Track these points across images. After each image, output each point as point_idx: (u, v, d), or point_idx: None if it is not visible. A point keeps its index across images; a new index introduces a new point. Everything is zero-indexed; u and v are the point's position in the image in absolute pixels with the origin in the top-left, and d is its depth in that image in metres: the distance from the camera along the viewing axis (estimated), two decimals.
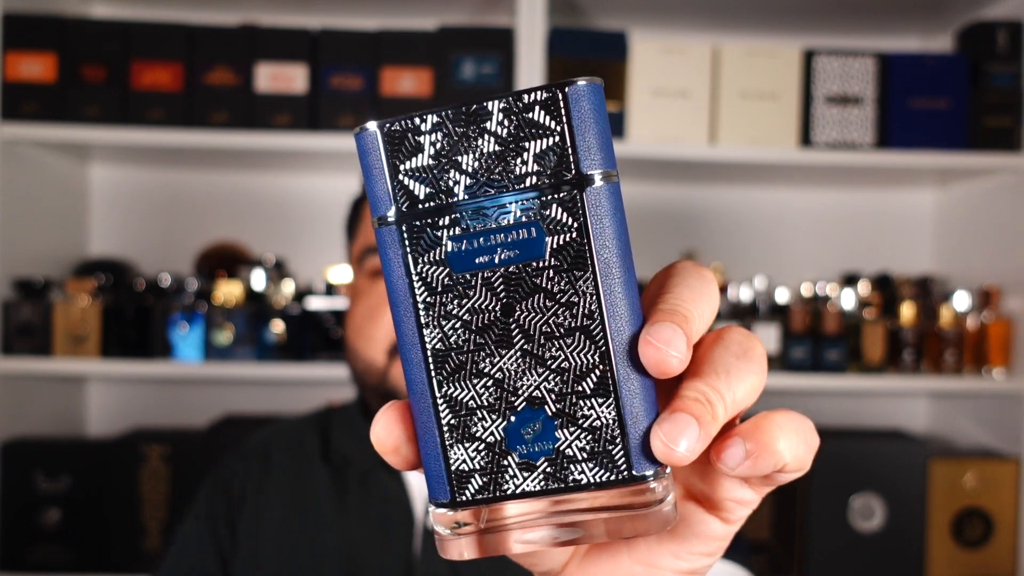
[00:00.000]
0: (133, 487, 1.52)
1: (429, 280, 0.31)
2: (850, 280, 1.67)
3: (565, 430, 0.31)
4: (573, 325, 0.30)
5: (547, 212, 0.30)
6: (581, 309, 0.30)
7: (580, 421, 0.31)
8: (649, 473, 0.30)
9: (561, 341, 0.30)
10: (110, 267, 1.65)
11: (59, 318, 1.48)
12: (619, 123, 1.50)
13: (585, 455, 0.31)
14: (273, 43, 1.49)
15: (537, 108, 0.29)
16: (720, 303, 1.64)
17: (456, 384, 0.31)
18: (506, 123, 0.30)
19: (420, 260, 0.31)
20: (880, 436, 1.63)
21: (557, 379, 0.31)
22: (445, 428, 0.31)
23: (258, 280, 1.55)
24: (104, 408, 1.78)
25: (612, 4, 1.66)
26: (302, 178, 1.79)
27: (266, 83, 1.48)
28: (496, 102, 0.30)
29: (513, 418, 0.31)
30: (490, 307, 0.31)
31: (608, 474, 0.31)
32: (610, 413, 0.30)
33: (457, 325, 0.31)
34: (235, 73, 1.49)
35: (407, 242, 0.31)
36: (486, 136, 0.30)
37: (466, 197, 0.30)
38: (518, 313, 0.30)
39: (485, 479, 0.31)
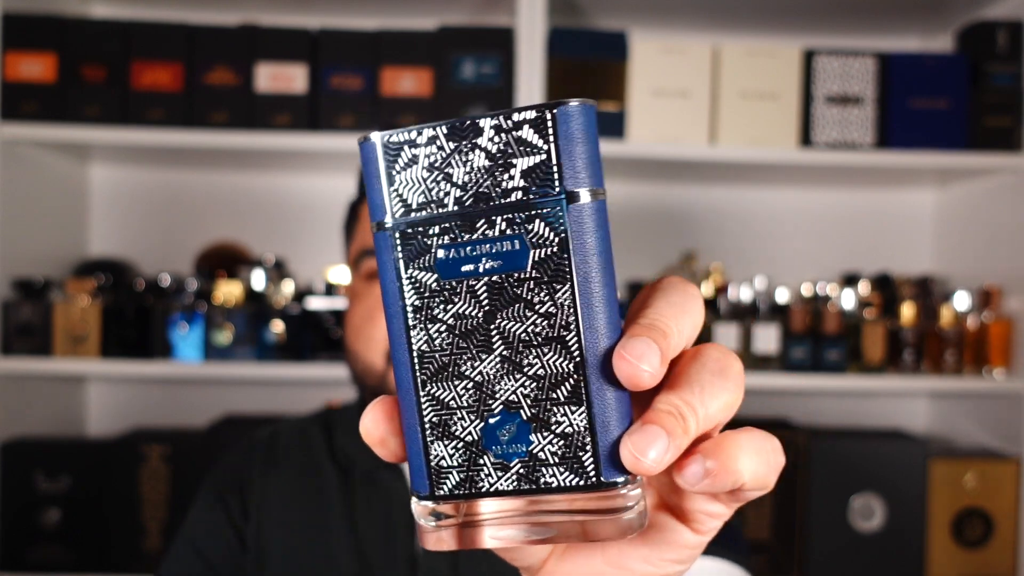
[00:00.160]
0: (133, 487, 1.52)
1: (418, 285, 0.33)
2: (850, 280, 1.66)
3: (539, 434, 0.32)
4: (550, 335, 0.32)
5: (531, 226, 0.31)
6: (559, 320, 0.31)
7: (553, 427, 0.32)
8: (618, 480, 0.32)
9: (538, 350, 0.32)
10: (110, 267, 1.65)
11: (59, 318, 1.48)
12: (619, 123, 1.50)
13: (557, 459, 0.32)
14: (273, 43, 1.49)
15: (526, 127, 0.31)
16: (720, 304, 1.63)
17: (439, 384, 0.33)
18: (496, 140, 0.31)
19: (410, 265, 0.33)
20: (880, 436, 1.63)
21: (533, 385, 0.32)
22: (427, 425, 0.33)
23: (258, 280, 1.55)
24: (104, 408, 1.78)
25: (612, 4, 1.66)
26: (302, 178, 1.79)
27: (266, 83, 1.48)
28: (488, 119, 0.31)
29: (490, 420, 0.32)
30: (473, 313, 0.32)
31: (578, 479, 0.32)
32: (582, 421, 0.32)
33: (442, 329, 0.32)
34: (235, 73, 1.49)
35: (399, 248, 0.33)
36: (477, 151, 0.32)
37: (456, 208, 0.32)
38: (499, 321, 0.32)
39: (462, 476, 0.33)
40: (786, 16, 1.72)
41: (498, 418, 0.33)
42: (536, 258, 0.31)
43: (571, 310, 0.31)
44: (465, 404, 0.33)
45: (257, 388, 1.79)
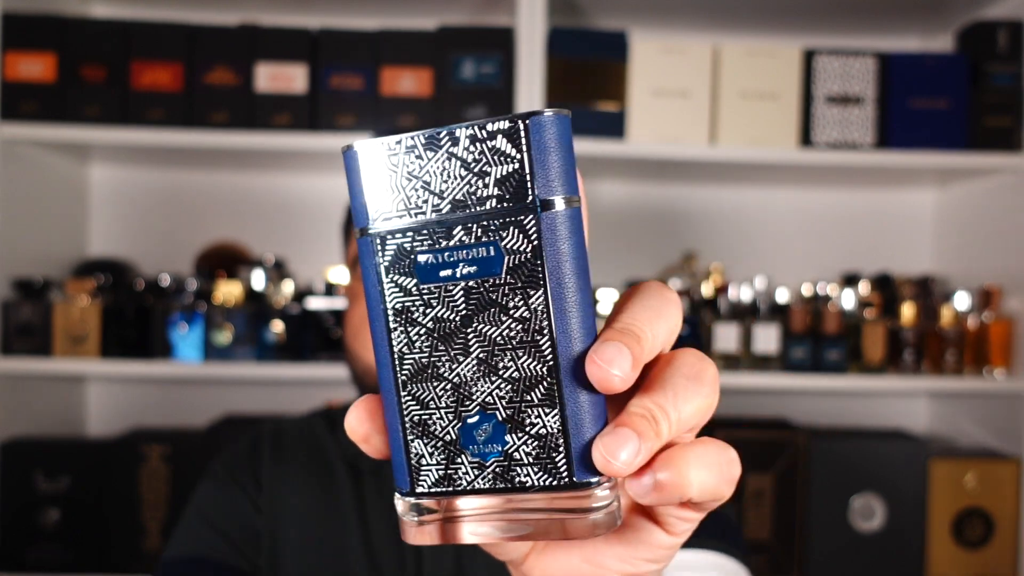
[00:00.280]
0: (133, 487, 1.52)
1: (398, 289, 0.34)
2: (850, 280, 1.66)
3: (514, 435, 0.33)
4: (525, 339, 0.33)
5: (504, 233, 0.32)
6: (532, 325, 0.32)
7: (528, 428, 0.33)
8: (590, 481, 0.33)
9: (513, 353, 0.33)
10: (110, 267, 1.65)
11: (59, 318, 1.48)
12: (619, 123, 1.50)
13: (531, 459, 0.33)
14: (273, 43, 1.49)
15: (500, 136, 0.32)
16: (720, 303, 1.63)
17: (419, 385, 0.34)
18: (472, 149, 0.32)
19: (391, 270, 0.34)
20: (880, 436, 1.63)
21: (508, 388, 0.33)
22: (408, 424, 0.34)
23: (258, 280, 1.55)
24: (104, 408, 1.78)
25: (612, 4, 1.66)
26: (302, 178, 1.79)
27: (266, 83, 1.48)
28: (464, 129, 0.32)
29: (468, 420, 0.34)
30: (451, 317, 0.33)
31: (551, 479, 0.33)
32: (555, 423, 0.33)
33: (421, 332, 0.34)
34: (235, 73, 1.48)
35: (380, 253, 0.34)
36: (454, 160, 0.33)
37: (434, 215, 0.33)
38: (476, 324, 0.33)
39: (440, 473, 0.34)
40: (786, 16, 1.72)
41: (475, 419, 0.34)
42: (510, 264, 0.32)
43: (544, 315, 0.32)
44: (444, 404, 0.34)
45: (257, 388, 1.79)
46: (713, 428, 1.55)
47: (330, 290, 1.57)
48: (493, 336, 0.33)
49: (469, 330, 0.33)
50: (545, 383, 0.32)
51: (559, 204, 0.32)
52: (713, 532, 0.79)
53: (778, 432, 1.56)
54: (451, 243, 0.33)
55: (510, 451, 0.33)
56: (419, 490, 0.35)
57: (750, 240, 1.84)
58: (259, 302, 1.53)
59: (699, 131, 1.51)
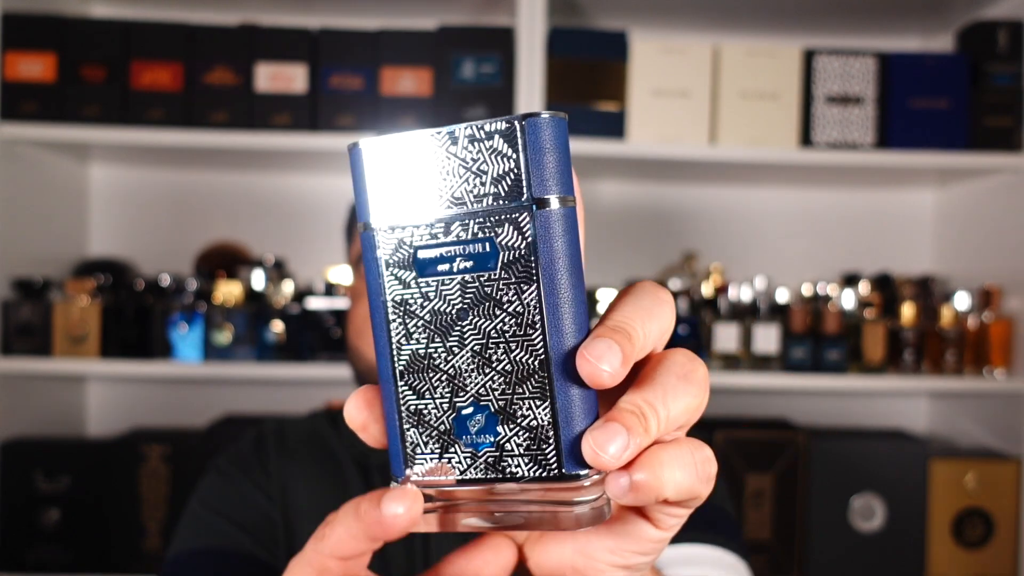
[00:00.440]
0: (133, 487, 1.52)
1: (397, 282, 0.35)
2: (850, 280, 1.66)
3: (506, 426, 0.34)
4: (518, 333, 0.34)
5: (500, 230, 0.33)
6: (525, 319, 0.33)
7: (519, 420, 0.34)
8: (579, 473, 0.33)
9: (506, 346, 0.34)
10: (110, 267, 1.65)
11: (59, 318, 1.48)
12: (619, 123, 1.50)
13: (522, 450, 0.34)
14: (273, 43, 1.49)
15: (497, 137, 0.33)
16: (720, 303, 1.62)
17: (415, 376, 0.35)
18: (471, 148, 0.34)
19: (392, 264, 0.35)
20: (880, 436, 1.63)
21: (501, 380, 0.34)
22: (404, 413, 0.36)
23: (258, 280, 1.55)
24: (104, 408, 1.78)
25: (612, 4, 1.66)
26: (302, 178, 1.79)
27: (266, 83, 1.48)
28: (464, 129, 0.34)
29: (462, 411, 0.35)
30: (448, 310, 0.34)
31: (540, 470, 0.34)
32: (546, 415, 0.33)
33: (419, 324, 0.35)
34: (235, 73, 1.48)
35: (382, 247, 0.35)
36: (454, 159, 0.34)
37: (433, 212, 0.34)
38: (471, 318, 0.34)
39: (435, 463, 0.35)
40: (786, 16, 1.72)
41: (469, 410, 0.35)
42: (505, 260, 0.33)
43: (537, 310, 0.33)
44: (439, 395, 0.35)
45: (257, 388, 1.79)
46: (713, 429, 1.55)
47: (330, 290, 1.57)
48: (487, 329, 0.34)
49: (465, 323, 0.34)
50: (537, 376, 0.33)
51: (554, 203, 0.33)
52: (712, 527, 0.80)
53: (778, 432, 1.56)
54: (449, 238, 0.34)
55: (502, 442, 0.34)
56: (413, 478, 0.36)
57: (750, 240, 1.84)
58: (259, 302, 1.53)
59: (699, 131, 1.51)
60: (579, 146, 1.47)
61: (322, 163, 1.66)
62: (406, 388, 0.35)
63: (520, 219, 0.33)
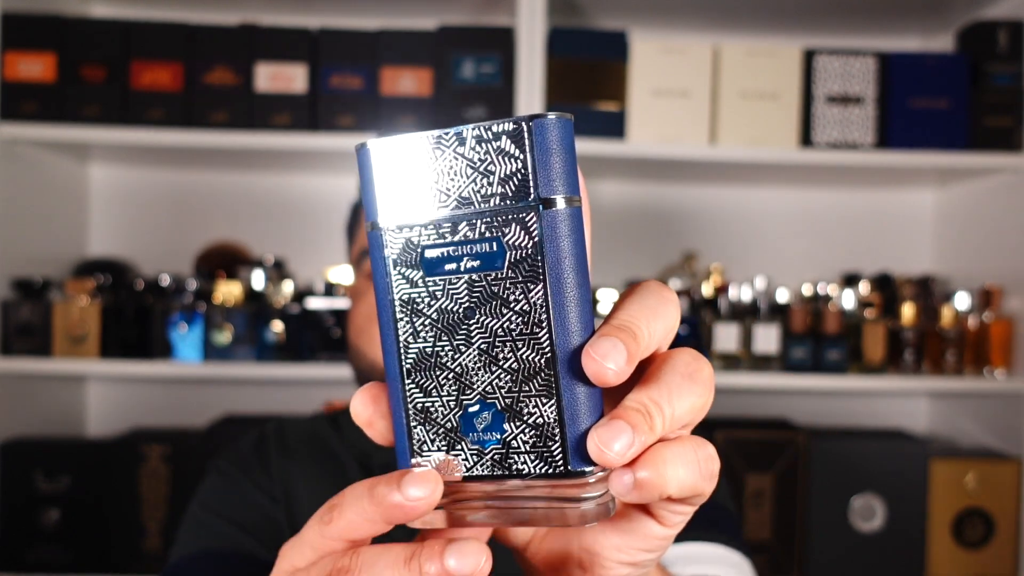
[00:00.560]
0: (133, 487, 1.52)
1: (405, 281, 0.35)
2: (850, 280, 1.66)
3: (512, 424, 0.35)
4: (524, 331, 0.34)
5: (507, 230, 0.34)
6: (532, 318, 0.34)
7: (525, 417, 0.34)
8: (585, 470, 0.34)
9: (513, 344, 0.34)
10: (110, 267, 1.65)
11: (58, 318, 1.48)
12: (619, 123, 1.50)
13: (528, 447, 0.34)
14: (273, 43, 1.49)
15: (505, 137, 0.33)
16: (720, 303, 1.62)
17: (422, 373, 0.36)
18: (478, 149, 0.34)
19: (399, 263, 0.35)
20: (881, 436, 1.63)
21: (508, 378, 0.34)
22: (411, 410, 0.36)
23: (258, 280, 1.55)
24: (104, 408, 1.78)
25: (612, 4, 1.66)
26: (302, 178, 1.79)
27: (266, 83, 1.48)
28: (471, 130, 0.34)
29: (468, 408, 0.35)
30: (455, 309, 0.35)
31: (546, 467, 0.34)
32: (552, 413, 0.34)
33: (426, 322, 0.35)
34: (235, 73, 1.48)
35: (388, 247, 0.35)
36: (461, 160, 0.34)
37: (440, 211, 0.35)
38: (478, 316, 0.35)
39: (441, 459, 0.36)
40: (786, 16, 1.72)
41: (475, 407, 0.35)
42: (512, 259, 0.34)
43: (543, 308, 0.33)
44: (446, 393, 0.35)
45: (257, 388, 1.79)
46: (713, 429, 1.55)
47: (330, 290, 1.57)
48: (494, 328, 0.34)
49: (471, 322, 0.35)
50: (543, 374, 0.34)
51: (560, 203, 0.33)
52: (716, 526, 0.80)
53: (778, 432, 1.56)
54: (456, 238, 0.34)
55: (508, 439, 0.35)
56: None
57: (750, 240, 1.84)
58: (259, 302, 1.53)
59: (699, 131, 1.51)
60: (579, 146, 1.47)
61: (322, 163, 1.66)
62: (413, 386, 0.36)
63: (527, 219, 0.33)
